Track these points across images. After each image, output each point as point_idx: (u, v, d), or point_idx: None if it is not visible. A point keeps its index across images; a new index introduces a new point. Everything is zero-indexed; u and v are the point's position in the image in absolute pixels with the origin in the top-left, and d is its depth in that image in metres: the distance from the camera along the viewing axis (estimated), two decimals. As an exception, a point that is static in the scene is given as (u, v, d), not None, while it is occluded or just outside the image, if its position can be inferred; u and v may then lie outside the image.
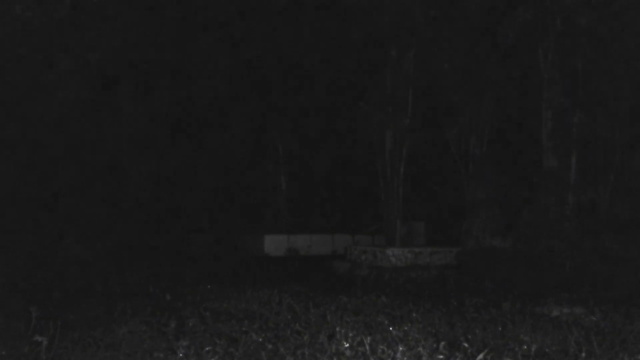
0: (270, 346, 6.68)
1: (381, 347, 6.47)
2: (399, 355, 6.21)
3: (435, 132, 20.84)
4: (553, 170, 17.59)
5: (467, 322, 8.46)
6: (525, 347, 6.75)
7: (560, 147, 17.62)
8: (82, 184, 22.64)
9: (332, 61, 23.48)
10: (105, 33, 20.72)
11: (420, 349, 6.42)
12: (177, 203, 26.51)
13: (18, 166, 20.43)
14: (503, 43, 18.34)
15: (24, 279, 13.37)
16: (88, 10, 19.76)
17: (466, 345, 6.73)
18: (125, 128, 24.51)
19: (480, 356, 6.27)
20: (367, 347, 6.46)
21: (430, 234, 24.54)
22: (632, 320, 8.58)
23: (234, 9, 23.85)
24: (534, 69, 18.07)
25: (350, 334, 6.95)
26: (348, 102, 22.51)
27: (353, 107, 21.47)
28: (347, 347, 6.48)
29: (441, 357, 6.30)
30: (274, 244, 24.40)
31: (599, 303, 10.18)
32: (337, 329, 7.14)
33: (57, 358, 6.50)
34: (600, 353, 6.62)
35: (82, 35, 19.80)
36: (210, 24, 24.13)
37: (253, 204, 28.17)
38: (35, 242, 19.21)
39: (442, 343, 6.59)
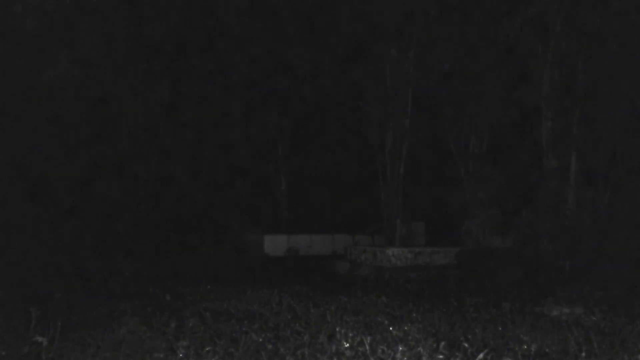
0: (270, 346, 6.68)
1: (381, 347, 6.47)
2: (399, 355, 6.21)
3: (435, 132, 20.85)
4: (553, 170, 17.59)
5: (467, 322, 8.46)
6: (525, 347, 6.74)
7: (560, 147, 17.62)
8: (81, 182, 22.63)
9: (332, 61, 23.49)
10: (105, 32, 20.73)
11: (420, 349, 6.42)
12: (177, 202, 26.49)
13: (18, 166, 20.42)
14: (503, 43, 18.34)
15: (24, 280, 13.38)
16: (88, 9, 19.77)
17: (466, 345, 6.73)
18: (125, 126, 24.52)
19: (480, 356, 6.26)
20: (367, 347, 6.46)
21: (430, 234, 24.53)
22: (632, 320, 8.57)
23: (233, 8, 23.85)
24: (534, 69, 18.07)
25: (350, 334, 6.94)
26: (348, 102, 22.52)
27: (353, 107, 21.48)
28: (347, 347, 6.47)
29: (441, 357, 6.30)
30: (274, 244, 24.38)
31: (599, 303, 10.18)
32: (337, 329, 7.14)
33: (57, 358, 6.50)
34: (600, 353, 6.62)
35: (82, 35, 19.80)
36: (211, 23, 24.14)
37: (253, 204, 28.16)
38: (34, 241, 19.21)
39: (442, 343, 6.58)
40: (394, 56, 19.80)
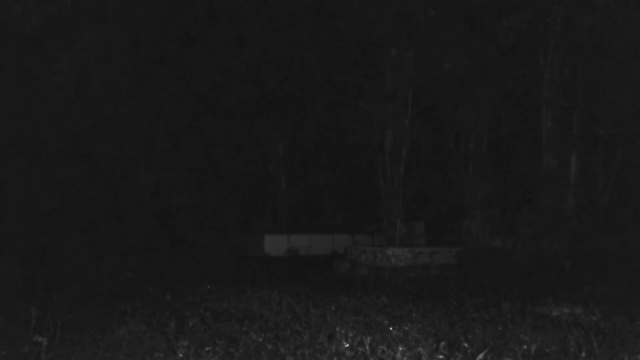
0: (270, 346, 6.68)
1: (381, 347, 6.47)
2: (399, 355, 6.21)
3: (435, 132, 20.85)
4: (553, 170, 17.59)
5: (467, 322, 8.46)
6: (525, 347, 6.74)
7: (560, 147, 17.63)
8: (82, 183, 22.64)
9: (332, 61, 23.48)
10: (105, 33, 20.71)
11: (420, 349, 6.42)
12: (177, 203, 26.50)
13: (18, 167, 20.43)
14: (503, 43, 18.34)
15: (24, 280, 13.38)
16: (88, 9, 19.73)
17: (466, 345, 6.73)
18: (125, 128, 24.51)
19: (480, 356, 6.26)
20: (367, 347, 6.46)
21: (430, 234, 24.54)
22: (632, 320, 8.58)
23: (235, 8, 23.84)
24: (534, 69, 18.07)
25: (350, 334, 6.94)
26: (348, 102, 22.52)
27: (353, 107, 21.47)
28: (347, 347, 6.48)
29: (441, 357, 6.30)
30: (274, 244, 24.40)
31: (599, 303, 10.18)
32: (337, 329, 7.14)
33: (57, 358, 6.50)
34: (600, 353, 6.62)
35: (82, 35, 19.78)
36: (211, 24, 24.13)
37: (253, 204, 28.17)
38: (35, 242, 19.21)
39: (442, 343, 6.58)
40: (394, 56, 19.80)
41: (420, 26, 19.19)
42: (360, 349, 6.45)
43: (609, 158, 17.99)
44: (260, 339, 6.96)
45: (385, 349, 6.40)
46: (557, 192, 17.36)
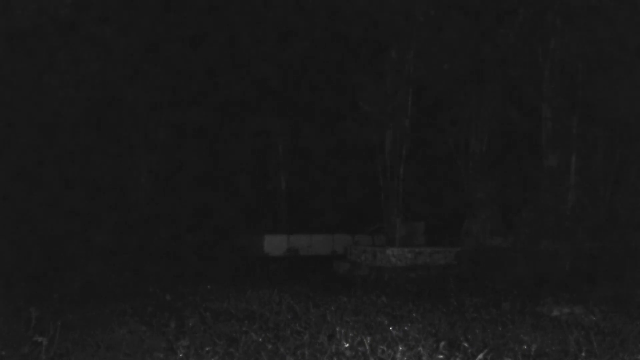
0: (270, 346, 6.68)
1: (381, 347, 6.47)
2: (399, 355, 6.22)
3: (435, 132, 20.84)
4: (553, 170, 17.59)
5: (467, 322, 8.47)
6: (525, 347, 6.75)
7: (560, 147, 17.62)
8: (81, 182, 22.63)
9: (332, 61, 23.48)
10: (106, 33, 20.71)
11: (420, 349, 6.43)
12: (177, 203, 26.49)
13: (17, 165, 20.42)
14: (503, 43, 18.34)
15: (24, 279, 13.38)
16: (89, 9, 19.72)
17: (466, 345, 6.73)
18: (124, 127, 24.51)
19: (480, 356, 6.27)
20: (367, 347, 6.46)
21: (430, 234, 24.52)
22: (632, 320, 8.58)
23: (234, 8, 23.84)
24: (534, 69, 18.07)
25: (350, 334, 6.95)
26: (348, 102, 22.50)
27: (353, 107, 21.46)
28: (347, 347, 6.48)
29: (441, 357, 6.31)
30: (274, 244, 24.37)
31: (599, 303, 10.19)
32: (337, 329, 7.15)
33: (57, 358, 6.50)
34: (600, 353, 6.62)
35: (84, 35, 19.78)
36: (211, 24, 24.12)
37: (253, 204, 28.16)
38: (34, 242, 19.20)
39: (442, 343, 6.59)
40: (393, 56, 19.79)
41: (421, 26, 19.18)
42: (360, 349, 6.45)
43: (609, 158, 17.96)
44: (260, 339, 6.97)
45: (385, 349, 6.40)
46: (557, 192, 17.36)
